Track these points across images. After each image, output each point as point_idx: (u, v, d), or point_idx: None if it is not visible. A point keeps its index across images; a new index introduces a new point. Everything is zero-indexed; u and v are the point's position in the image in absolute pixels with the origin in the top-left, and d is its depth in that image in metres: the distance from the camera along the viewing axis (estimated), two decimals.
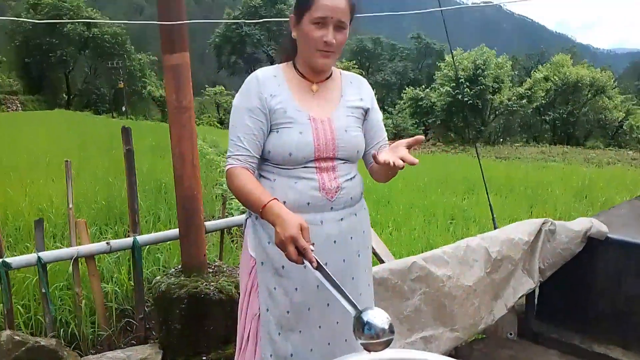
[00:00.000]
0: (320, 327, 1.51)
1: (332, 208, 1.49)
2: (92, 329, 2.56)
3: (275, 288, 1.49)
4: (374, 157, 1.30)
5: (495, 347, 2.76)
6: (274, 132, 1.47)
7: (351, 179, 1.54)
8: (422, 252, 2.61)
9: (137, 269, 2.55)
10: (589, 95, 30.35)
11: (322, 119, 1.49)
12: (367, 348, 1.05)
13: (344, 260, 1.53)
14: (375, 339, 1.05)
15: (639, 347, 2.49)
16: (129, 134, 2.47)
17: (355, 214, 1.56)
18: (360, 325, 1.07)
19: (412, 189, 8.22)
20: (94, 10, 47.41)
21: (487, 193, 3.23)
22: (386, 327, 1.06)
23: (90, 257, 2.51)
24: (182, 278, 2.38)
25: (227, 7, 50.24)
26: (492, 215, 3.30)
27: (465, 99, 24.51)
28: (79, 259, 2.48)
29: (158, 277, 2.51)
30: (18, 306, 2.52)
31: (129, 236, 2.61)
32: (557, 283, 2.78)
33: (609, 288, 2.63)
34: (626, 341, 2.54)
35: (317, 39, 1.43)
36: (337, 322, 1.51)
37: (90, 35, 42.92)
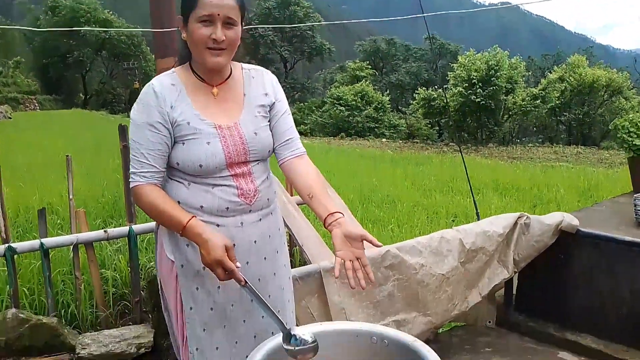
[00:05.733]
0: (244, 321, 1.54)
1: (250, 210, 1.50)
2: (90, 311, 2.75)
3: (197, 288, 1.49)
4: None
5: (473, 334, 2.89)
6: (179, 144, 1.42)
7: (266, 179, 1.55)
8: None
9: (133, 256, 2.73)
10: (605, 96, 29.91)
11: (228, 126, 1.46)
12: (296, 357, 1.20)
13: (265, 258, 1.56)
14: (302, 347, 1.21)
15: (608, 335, 2.59)
16: (125, 131, 2.65)
17: (272, 213, 1.59)
18: (287, 338, 1.23)
19: (418, 188, 8.30)
20: (111, 13, 47.96)
21: (470, 190, 3.36)
22: (309, 339, 1.22)
23: (89, 245, 2.70)
24: None
25: None
26: (476, 211, 3.42)
27: (478, 99, 24.35)
28: (80, 246, 2.68)
29: (152, 263, 2.68)
30: (24, 289, 2.72)
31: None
32: (535, 276, 2.90)
33: (582, 281, 2.73)
34: (598, 330, 2.64)
35: (205, 37, 1.37)
36: (262, 317, 1.52)
37: (107, 37, 43.43)
